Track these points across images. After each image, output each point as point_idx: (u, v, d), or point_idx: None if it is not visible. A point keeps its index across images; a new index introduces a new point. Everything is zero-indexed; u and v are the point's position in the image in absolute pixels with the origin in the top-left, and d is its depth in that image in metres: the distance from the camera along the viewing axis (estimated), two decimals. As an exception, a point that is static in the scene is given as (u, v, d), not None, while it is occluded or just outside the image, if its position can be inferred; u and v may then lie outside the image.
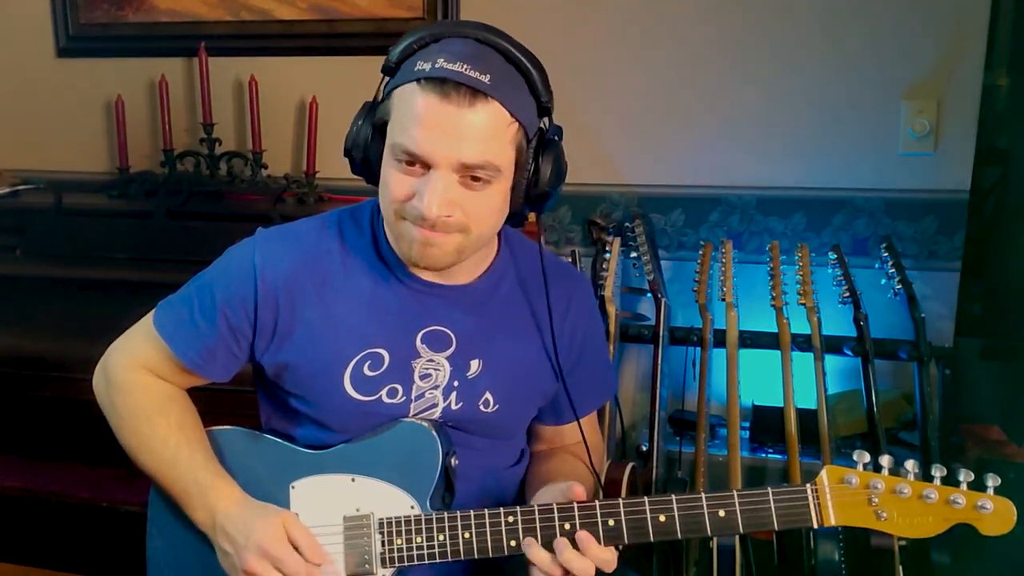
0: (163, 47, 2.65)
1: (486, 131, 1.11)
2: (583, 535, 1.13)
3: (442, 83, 1.09)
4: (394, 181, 1.15)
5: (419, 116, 1.10)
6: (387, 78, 1.17)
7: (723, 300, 2.12)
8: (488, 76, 1.09)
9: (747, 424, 2.28)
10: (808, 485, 1.13)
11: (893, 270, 2.12)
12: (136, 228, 2.37)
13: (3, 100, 2.81)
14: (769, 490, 1.13)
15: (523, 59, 1.14)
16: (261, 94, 2.49)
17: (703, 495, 1.14)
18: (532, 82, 1.15)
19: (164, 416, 1.28)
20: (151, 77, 2.63)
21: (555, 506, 1.16)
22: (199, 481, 1.23)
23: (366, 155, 1.19)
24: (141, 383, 1.30)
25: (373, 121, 1.18)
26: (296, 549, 1.18)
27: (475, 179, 1.13)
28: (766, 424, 2.24)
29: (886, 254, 2.16)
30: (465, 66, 1.09)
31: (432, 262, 1.18)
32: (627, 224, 2.32)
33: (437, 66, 1.09)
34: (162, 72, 2.56)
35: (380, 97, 1.19)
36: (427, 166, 1.12)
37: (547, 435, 1.44)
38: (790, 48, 2.28)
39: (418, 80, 1.10)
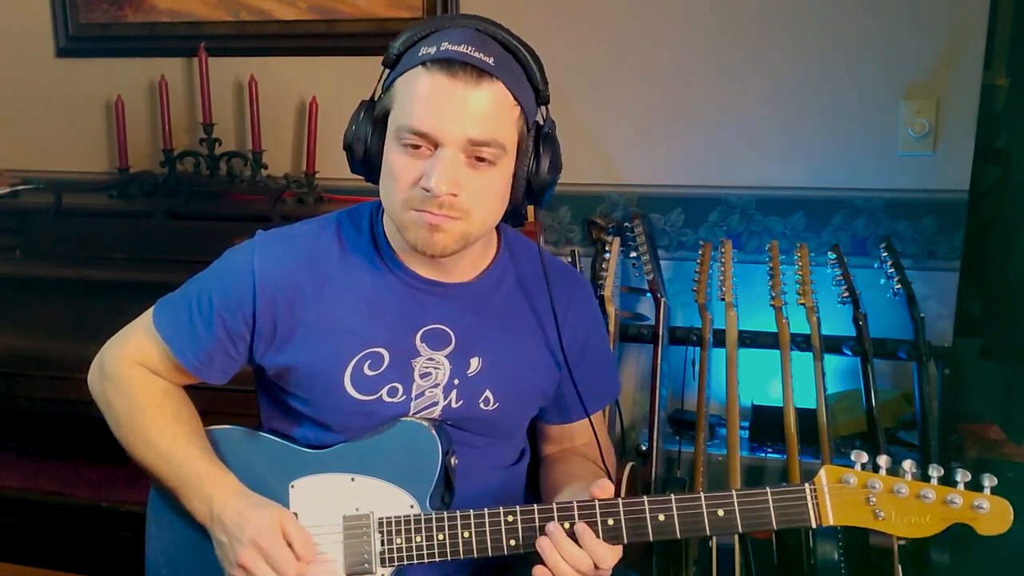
0: (163, 47, 2.65)
1: (492, 109, 1.13)
2: (580, 526, 1.14)
3: (448, 63, 1.11)
4: (400, 165, 1.15)
5: (426, 95, 1.12)
6: (387, 72, 1.19)
7: (722, 300, 2.12)
8: (492, 59, 1.13)
9: (746, 424, 2.27)
10: (807, 485, 1.13)
11: (892, 270, 2.12)
12: (136, 228, 2.37)
13: (3, 100, 2.81)
14: (768, 490, 1.13)
15: (521, 48, 1.17)
16: (261, 94, 2.49)
17: (702, 495, 1.14)
18: (530, 71, 1.18)
19: (160, 410, 1.28)
20: (151, 77, 2.63)
21: (555, 505, 1.17)
22: (196, 472, 1.23)
23: (367, 150, 1.20)
24: (137, 378, 1.30)
25: (374, 115, 1.20)
26: (289, 546, 1.18)
27: (480, 159, 1.14)
28: (765, 424, 2.24)
29: (885, 254, 2.16)
30: (470, 48, 1.12)
31: (439, 249, 1.18)
32: (627, 224, 2.32)
33: (442, 48, 1.12)
34: (162, 72, 2.57)
35: (380, 91, 1.21)
36: (433, 146, 1.13)
37: (555, 435, 1.44)
38: (790, 48, 2.28)
39: (423, 63, 1.13)
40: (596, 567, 1.14)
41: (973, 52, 2.18)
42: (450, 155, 1.13)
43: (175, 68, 2.64)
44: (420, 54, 1.13)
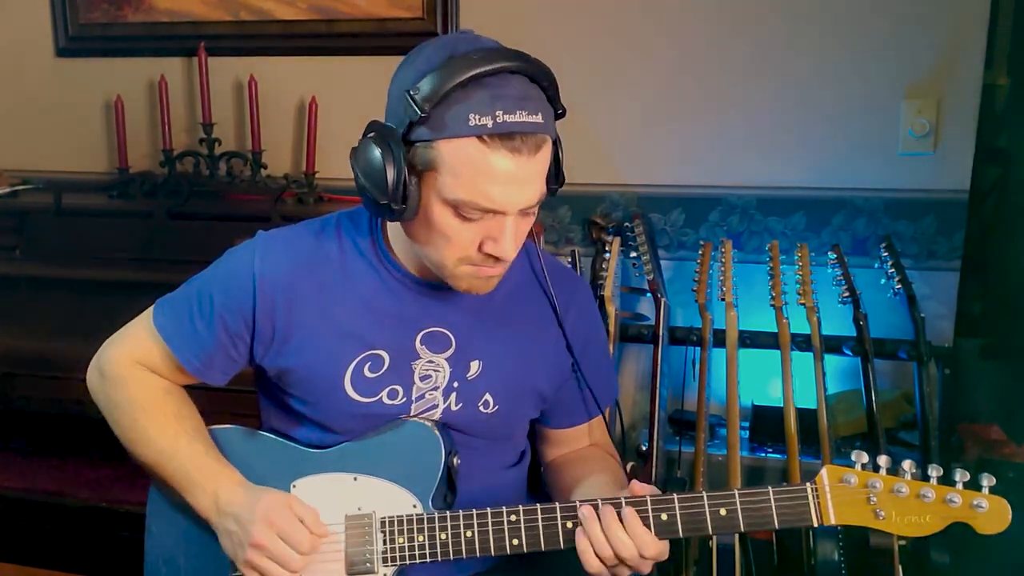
0: (163, 47, 2.65)
1: (543, 169, 1.13)
2: (628, 511, 1.13)
3: (509, 138, 1.07)
4: (454, 230, 1.12)
5: (493, 174, 1.08)
6: (413, 123, 1.08)
7: (723, 300, 2.12)
8: (540, 114, 1.09)
9: (747, 424, 2.27)
10: (808, 484, 1.13)
11: (893, 270, 2.12)
12: (136, 228, 2.37)
13: (3, 100, 2.81)
14: (770, 489, 1.13)
15: (542, 77, 1.11)
16: (261, 94, 2.49)
17: (704, 494, 1.14)
18: (551, 96, 1.12)
19: (161, 408, 1.28)
20: (151, 77, 2.63)
21: (558, 505, 1.17)
22: (201, 467, 1.23)
23: (406, 203, 1.12)
24: (136, 377, 1.30)
25: (414, 171, 1.11)
26: (301, 523, 1.19)
27: (526, 212, 1.15)
28: (766, 424, 2.24)
29: (886, 254, 2.16)
30: (523, 113, 1.06)
31: (489, 290, 1.21)
32: (627, 224, 2.32)
33: (500, 121, 1.05)
34: (162, 72, 2.57)
35: (409, 140, 1.10)
36: (492, 212, 1.11)
37: (557, 439, 1.43)
38: (790, 48, 2.28)
39: (479, 136, 1.06)
40: (641, 555, 1.13)
41: (973, 52, 2.18)
42: (514, 221, 1.13)
43: (175, 68, 2.64)
44: (471, 123, 1.05)
